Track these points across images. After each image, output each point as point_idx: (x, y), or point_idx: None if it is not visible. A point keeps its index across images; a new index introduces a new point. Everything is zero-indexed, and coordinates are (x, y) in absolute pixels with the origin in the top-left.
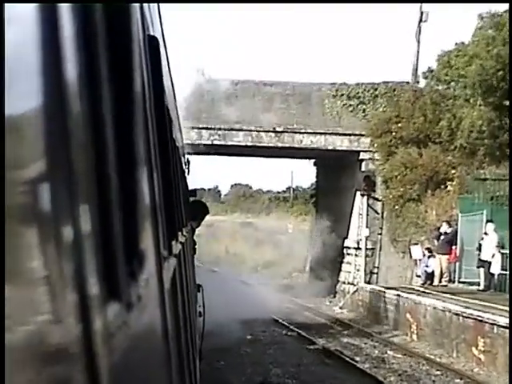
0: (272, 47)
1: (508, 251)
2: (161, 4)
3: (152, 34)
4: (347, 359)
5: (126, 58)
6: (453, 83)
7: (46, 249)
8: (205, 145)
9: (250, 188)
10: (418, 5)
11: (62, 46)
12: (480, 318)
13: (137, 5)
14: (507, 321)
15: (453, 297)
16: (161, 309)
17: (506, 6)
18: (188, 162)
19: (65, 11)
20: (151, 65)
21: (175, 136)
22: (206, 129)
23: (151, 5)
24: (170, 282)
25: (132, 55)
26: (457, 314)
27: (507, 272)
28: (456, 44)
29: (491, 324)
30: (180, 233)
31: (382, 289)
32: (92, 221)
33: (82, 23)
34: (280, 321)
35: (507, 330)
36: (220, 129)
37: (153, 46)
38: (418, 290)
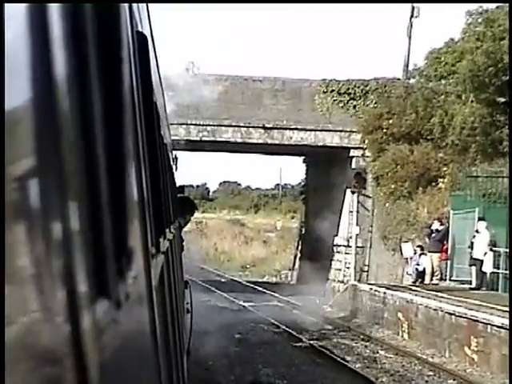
0: (262, 43)
1: (500, 249)
2: (154, 3)
3: (140, 30)
4: (338, 359)
5: (115, 55)
6: (442, 80)
7: (35, 246)
8: (193, 141)
9: (239, 185)
10: None
11: (51, 42)
12: (473, 318)
13: (125, 4)
14: (501, 320)
15: (445, 295)
16: (149, 306)
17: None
18: (176, 158)
19: (54, 10)
20: (139, 61)
21: (163, 132)
22: (195, 125)
23: (140, 4)
24: (158, 279)
25: (120, 52)
26: (449, 313)
27: (499, 270)
28: (445, 42)
29: (485, 323)
30: (168, 230)
31: (373, 287)
32: (80, 218)
33: (71, 21)
34: (269, 320)
35: (501, 330)
36: (209, 125)
37: (141, 42)
38: (410, 289)
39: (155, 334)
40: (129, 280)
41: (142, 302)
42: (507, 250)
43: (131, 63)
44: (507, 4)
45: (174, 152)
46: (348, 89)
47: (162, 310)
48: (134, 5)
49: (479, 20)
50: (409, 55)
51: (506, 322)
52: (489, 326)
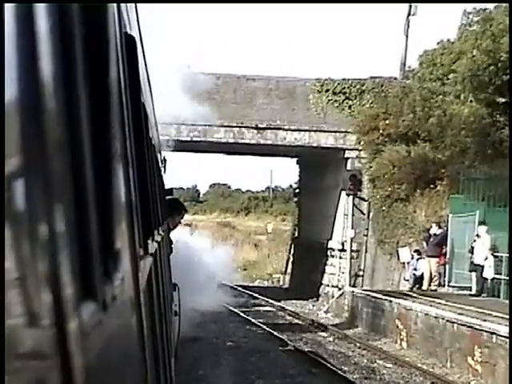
0: (256, 42)
1: (501, 254)
2: (143, 3)
3: (129, 32)
4: (335, 369)
5: (102, 56)
6: (438, 82)
7: (21, 248)
8: (184, 141)
9: (229, 188)
10: None
11: (39, 43)
12: (477, 326)
13: (114, 4)
14: (507, 329)
15: (444, 302)
16: (136, 308)
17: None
18: (164, 160)
19: (41, 10)
20: (127, 62)
21: (151, 134)
22: (186, 124)
23: (128, 4)
24: (146, 281)
25: (108, 53)
26: (451, 322)
27: (501, 276)
28: (438, 43)
29: (490, 333)
30: (156, 232)
31: (370, 293)
32: (67, 219)
33: (58, 22)
34: (262, 326)
35: (507, 340)
36: (200, 124)
37: (129, 43)
38: (408, 295)
39: (142, 336)
40: (116, 281)
41: (130, 304)
42: (509, 255)
43: (119, 64)
44: (507, 4)
45: (162, 154)
46: (343, 88)
47: (150, 312)
48: (122, 5)
49: (476, 19)
50: (406, 54)
51: None
52: (494, 336)
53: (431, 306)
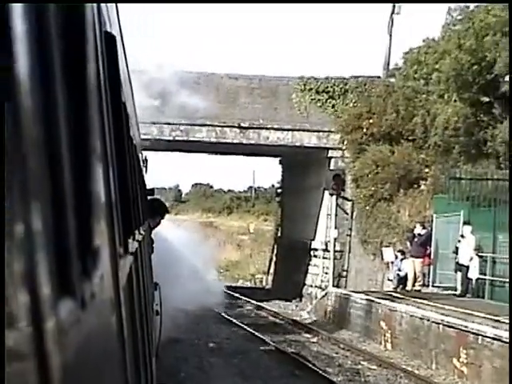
0: (239, 40)
1: (486, 255)
2: (123, 3)
3: (109, 31)
4: (319, 371)
5: (82, 55)
6: (422, 81)
7: None
8: (166, 140)
9: (211, 187)
10: None
11: (16, 42)
12: (463, 328)
13: (93, 4)
14: (494, 331)
15: (429, 303)
16: (116, 307)
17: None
18: (146, 160)
19: (19, 10)
20: (107, 61)
21: (132, 133)
22: (168, 124)
23: (109, 4)
24: (126, 280)
25: (88, 52)
26: (436, 322)
27: (486, 277)
28: (424, 41)
29: (476, 334)
30: (137, 231)
31: (354, 294)
32: (46, 217)
33: (38, 21)
34: (244, 327)
35: (494, 342)
36: (182, 124)
37: (109, 42)
38: (392, 295)
39: (122, 335)
40: (95, 280)
41: (109, 303)
42: (494, 256)
43: (99, 63)
44: (507, 4)
45: (144, 153)
46: (326, 87)
47: (130, 311)
48: (103, 5)
49: (459, 18)
50: (389, 53)
51: (499, 332)
52: (480, 337)
53: (416, 306)
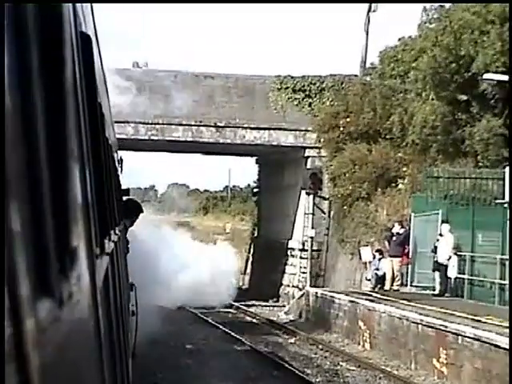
0: (214, 39)
1: (465, 253)
2: (99, 3)
3: (84, 31)
4: (297, 372)
5: (57, 55)
6: (399, 79)
7: None
8: (142, 140)
9: (187, 187)
10: None
11: None
12: (442, 328)
13: (69, 4)
14: (473, 331)
15: (408, 303)
16: (93, 307)
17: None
18: (121, 160)
19: None
20: (83, 61)
21: (108, 133)
22: (143, 123)
23: (84, 4)
24: (103, 281)
25: (63, 52)
26: (415, 322)
27: (464, 276)
28: (399, 39)
29: (455, 334)
30: (113, 231)
31: (332, 293)
32: (22, 217)
33: (13, 21)
34: (221, 327)
35: (474, 342)
36: (158, 123)
37: (85, 42)
38: (370, 295)
39: (99, 336)
40: (72, 280)
41: (87, 303)
42: (472, 254)
43: (74, 63)
44: (507, 4)
45: (119, 154)
46: (303, 86)
47: (107, 311)
48: (78, 5)
49: (435, 16)
50: (366, 51)
51: (479, 332)
52: (459, 337)
53: (394, 306)
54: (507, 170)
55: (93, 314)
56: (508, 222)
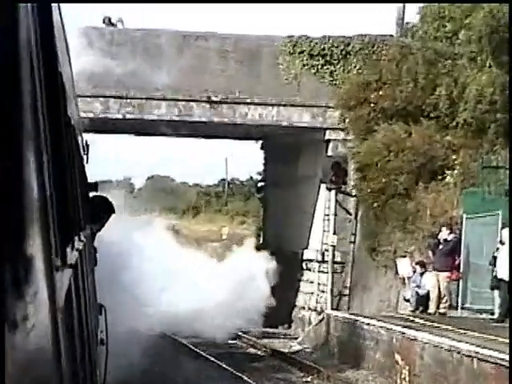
0: None
1: None
2: None
3: None
4: None
5: (9, 15)
6: (446, 41)
7: None
8: (114, 119)
9: (173, 181)
10: None
11: None
12: (504, 362)
13: None
14: None
15: (459, 330)
16: (51, 334)
17: None
18: (87, 145)
19: None
20: (40, 24)
21: (70, 111)
22: (116, 97)
23: None
24: (64, 300)
25: (17, 12)
26: (468, 356)
27: None
28: None
29: None
30: (77, 237)
31: (360, 318)
32: None
33: None
34: (219, 363)
35: None
36: (135, 98)
37: (43, 7)
38: (410, 320)
39: (59, 371)
40: (26, 298)
41: (43, 329)
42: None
43: (29, 26)
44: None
45: (84, 137)
46: (323, 49)
47: (69, 339)
48: None
49: None
50: (404, 6)
51: None
52: None
53: (441, 335)
54: None
55: (51, 342)
56: None
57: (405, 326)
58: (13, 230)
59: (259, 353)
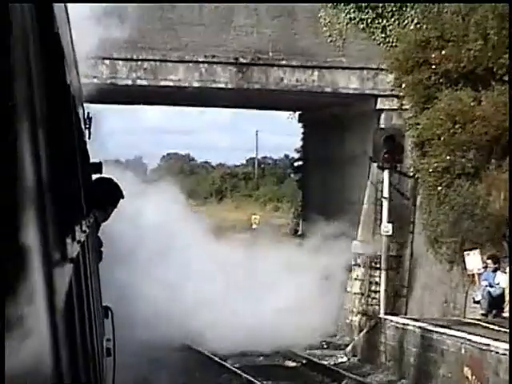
0: None
1: None
2: None
3: None
4: None
5: None
6: None
7: None
8: (122, 86)
9: (193, 160)
10: None
11: None
12: None
13: None
14: None
15: None
16: (50, 340)
17: None
18: (89, 118)
19: None
20: None
21: (69, 78)
22: (125, 60)
23: None
24: (64, 301)
25: None
26: None
27: None
28: None
29: None
30: (78, 227)
31: (420, 324)
32: None
33: None
34: (240, 373)
35: None
36: (147, 59)
37: None
38: (481, 326)
39: (60, 381)
40: (18, 299)
41: (39, 335)
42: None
43: None
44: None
45: (86, 109)
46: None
47: (70, 348)
48: None
49: None
50: None
51: None
52: None
53: None
54: None
55: (50, 350)
56: None
57: (475, 334)
58: (2, 218)
59: (297, 365)
